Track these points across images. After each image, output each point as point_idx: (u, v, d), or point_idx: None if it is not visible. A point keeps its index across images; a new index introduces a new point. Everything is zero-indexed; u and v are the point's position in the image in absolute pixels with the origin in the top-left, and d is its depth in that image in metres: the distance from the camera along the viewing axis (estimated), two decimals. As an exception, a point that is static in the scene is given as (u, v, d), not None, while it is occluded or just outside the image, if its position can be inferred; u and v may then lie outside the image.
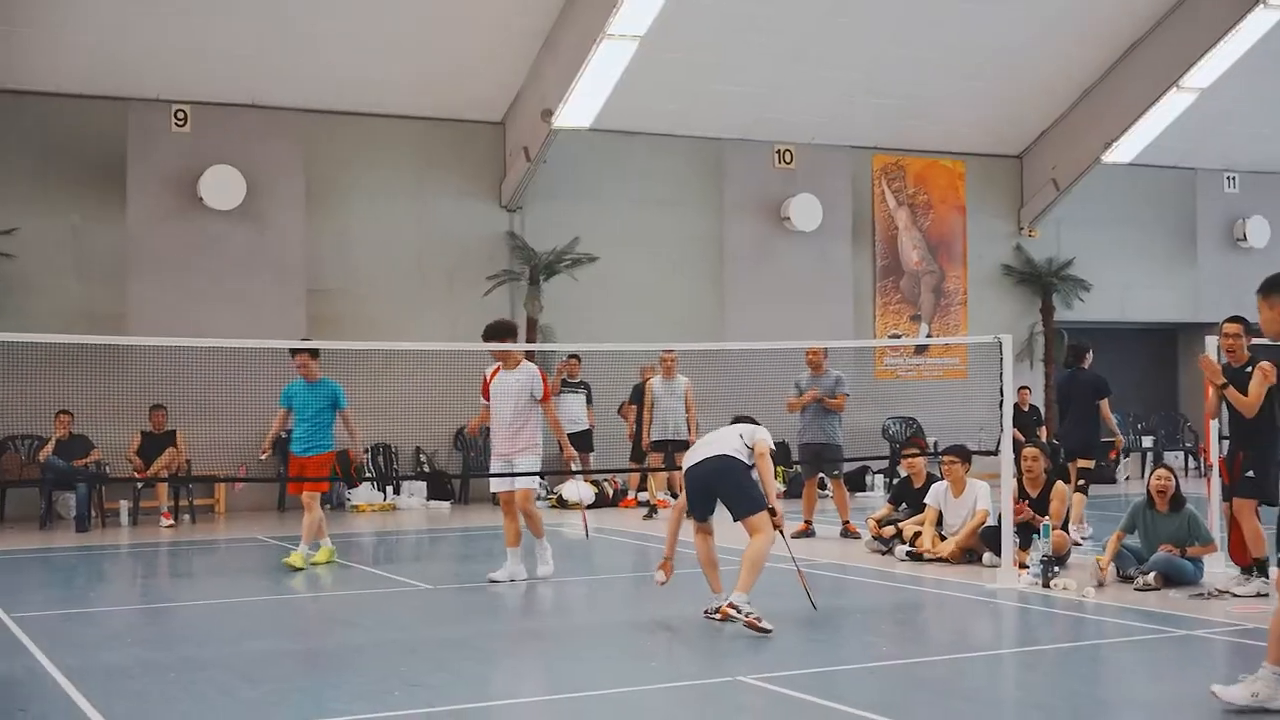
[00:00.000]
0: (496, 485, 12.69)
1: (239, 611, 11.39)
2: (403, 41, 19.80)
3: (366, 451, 20.62)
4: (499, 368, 12.44)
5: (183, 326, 18.34)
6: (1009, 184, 25.64)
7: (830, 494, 16.92)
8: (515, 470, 12.30)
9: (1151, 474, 11.99)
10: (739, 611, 9.44)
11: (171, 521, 17.97)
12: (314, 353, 13.66)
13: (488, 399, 12.52)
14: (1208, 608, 10.48)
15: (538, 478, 12.74)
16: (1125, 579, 11.61)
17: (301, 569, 13.19)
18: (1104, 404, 15.60)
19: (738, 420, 10.46)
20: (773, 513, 9.80)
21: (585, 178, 22.23)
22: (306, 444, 13.55)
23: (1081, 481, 15.43)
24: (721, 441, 10.01)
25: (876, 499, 19.78)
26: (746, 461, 9.91)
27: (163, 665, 8.86)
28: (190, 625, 10.83)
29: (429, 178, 21.50)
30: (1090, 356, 16.09)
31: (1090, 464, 15.58)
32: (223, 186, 19.92)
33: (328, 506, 20.06)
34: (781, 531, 10.01)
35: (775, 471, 22.43)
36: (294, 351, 13.64)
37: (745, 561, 9.67)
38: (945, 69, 22.55)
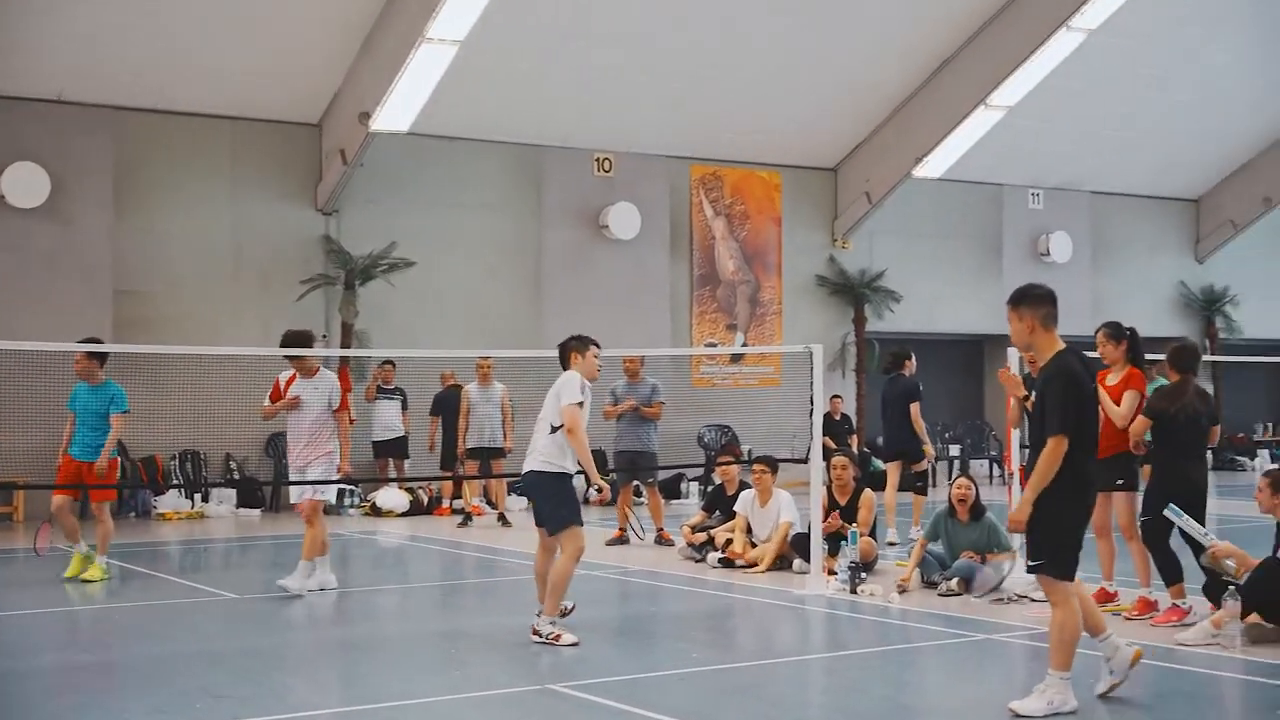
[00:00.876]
0: (295, 495, 12.48)
1: (39, 623, 11.04)
2: (217, 39, 19.40)
3: (174, 459, 20.17)
4: (295, 375, 12.25)
5: (-19, 328, 17.73)
6: (824, 196, 26.11)
7: (645, 501, 17.01)
8: (306, 479, 12.05)
9: (953, 483, 12.32)
10: (540, 635, 9.51)
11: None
12: (98, 356, 13.04)
13: (274, 400, 12.31)
14: (1007, 612, 10.81)
15: (333, 488, 12.50)
16: (929, 585, 11.90)
17: (100, 580, 12.78)
18: (914, 408, 15.97)
19: (564, 352, 10.17)
20: (599, 490, 9.79)
21: (403, 182, 22.04)
22: (86, 448, 12.95)
23: (920, 484, 15.97)
24: (532, 446, 9.88)
25: (691, 506, 19.96)
26: (554, 465, 9.71)
27: (-47, 680, 8.55)
28: (-16, 638, 10.46)
29: (243, 179, 21.10)
30: (912, 363, 16.46)
31: (922, 466, 16.05)
32: (26, 184, 19.30)
33: (132, 515, 19.66)
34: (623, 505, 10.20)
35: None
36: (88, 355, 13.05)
37: (549, 584, 9.62)
38: (762, 82, 22.89)
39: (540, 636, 9.49)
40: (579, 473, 9.91)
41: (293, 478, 12.28)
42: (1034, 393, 7.68)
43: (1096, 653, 7.91)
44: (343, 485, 20.19)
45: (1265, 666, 8.66)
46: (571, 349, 10.06)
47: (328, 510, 19.63)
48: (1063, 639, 7.43)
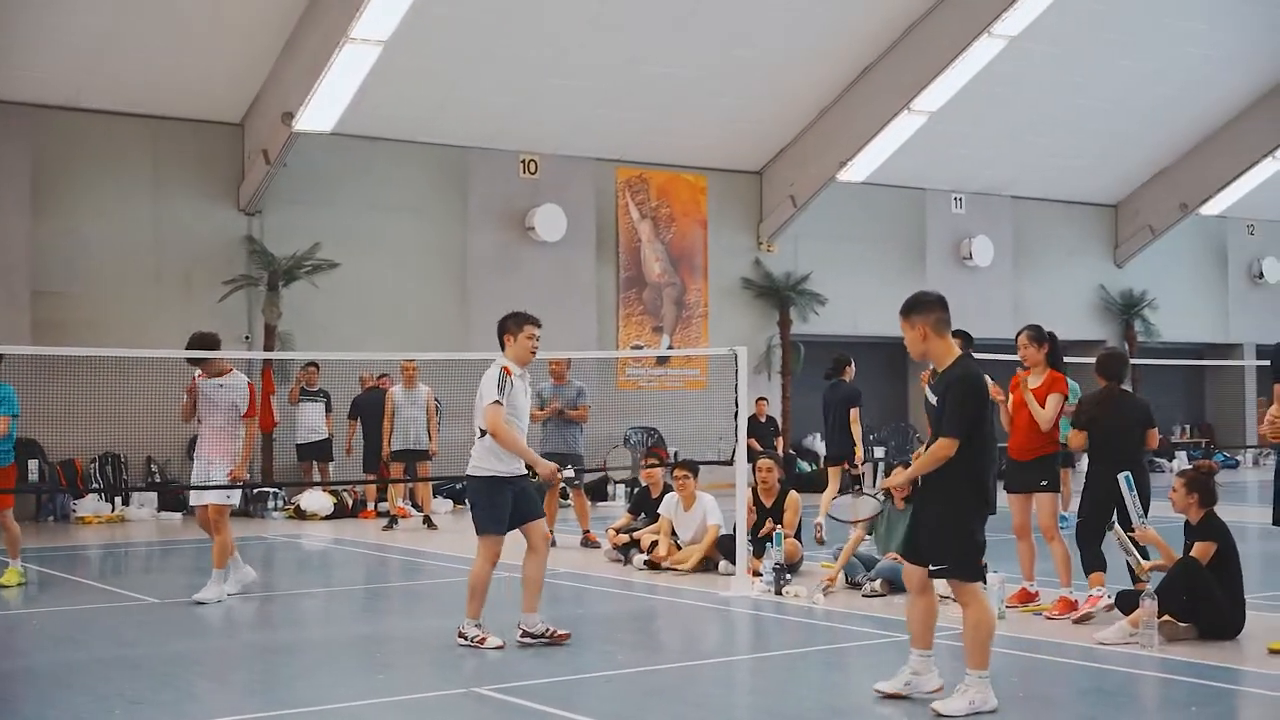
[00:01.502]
0: (194, 499, 12.20)
1: (-49, 629, 10.86)
2: (138, 37, 19.17)
3: (94, 461, 19.91)
4: (201, 375, 11.99)
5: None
6: (749, 199, 26.21)
7: (571, 503, 17.00)
8: (210, 481, 11.76)
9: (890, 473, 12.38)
10: (464, 639, 9.46)
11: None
12: None
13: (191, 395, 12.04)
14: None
15: (238, 492, 12.19)
16: (854, 585, 11.97)
17: (17, 585, 12.54)
18: (854, 412, 16.05)
19: (500, 333, 9.78)
20: (539, 475, 9.71)
21: (327, 183, 21.89)
22: None
23: (856, 487, 16.01)
24: (473, 450, 9.69)
25: (617, 508, 19.97)
26: (482, 469, 9.48)
27: None
28: (-104, 644, 10.28)
29: (164, 178, 20.86)
30: (852, 369, 16.51)
31: (856, 471, 16.15)
32: (-60, 182, 18.99)
33: (50, 519, 19.38)
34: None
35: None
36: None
37: (468, 588, 9.57)
38: (687, 85, 22.94)
39: (463, 640, 9.45)
40: (530, 474, 9.70)
41: (195, 481, 11.96)
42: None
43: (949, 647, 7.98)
44: (266, 489, 20.09)
45: (1181, 664, 8.79)
46: (505, 330, 9.69)
47: (247, 514, 19.60)
48: (978, 638, 7.52)
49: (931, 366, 7.89)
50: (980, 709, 7.41)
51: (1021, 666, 8.89)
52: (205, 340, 12.07)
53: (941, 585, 11.64)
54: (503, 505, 9.45)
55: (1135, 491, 9.95)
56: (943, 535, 7.56)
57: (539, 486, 20.15)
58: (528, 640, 9.44)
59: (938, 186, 28.04)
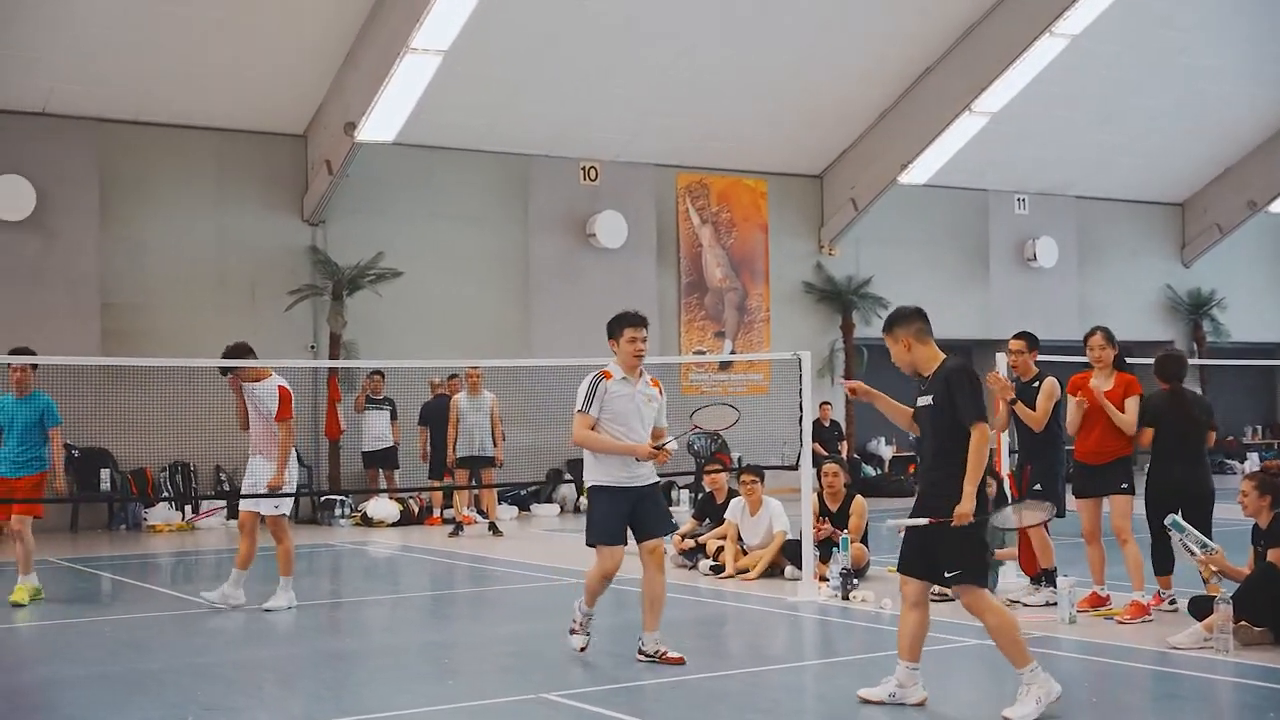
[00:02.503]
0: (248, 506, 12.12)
1: (24, 637, 10.99)
2: (203, 51, 19.36)
3: (164, 471, 20.12)
4: (232, 380, 12.02)
5: (-33, 341, 17.61)
6: (810, 203, 26.13)
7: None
8: (255, 488, 11.74)
9: None
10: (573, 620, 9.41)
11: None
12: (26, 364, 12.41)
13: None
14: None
15: (288, 501, 12.03)
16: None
17: (27, 602, 12.27)
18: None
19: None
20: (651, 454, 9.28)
21: (389, 192, 22.01)
22: (15, 464, 12.33)
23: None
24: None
25: (682, 514, 19.94)
26: (590, 478, 9.19)
27: (-57, 695, 8.51)
28: (-27, 653, 10.42)
29: (229, 190, 21.06)
30: None
31: None
32: (11, 196, 19.23)
33: (122, 527, 19.60)
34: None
35: (582, 488, 22.38)
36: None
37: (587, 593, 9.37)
38: (747, 90, 22.90)
39: (573, 622, 9.39)
40: (661, 483, 9.29)
41: (245, 487, 11.93)
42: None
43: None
44: (334, 496, 20.22)
45: (1257, 669, 8.67)
46: (609, 333, 9.24)
47: (315, 522, 19.76)
48: (1010, 638, 7.51)
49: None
50: (1049, 700, 7.41)
51: (1093, 672, 8.80)
52: (240, 349, 12.08)
53: (1014, 589, 11.63)
54: (613, 516, 9.04)
55: (1185, 531, 9.86)
56: (957, 539, 7.50)
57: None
58: (640, 658, 9.11)
59: (1000, 187, 27.83)
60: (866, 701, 7.81)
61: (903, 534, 7.79)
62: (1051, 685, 7.45)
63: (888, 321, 7.90)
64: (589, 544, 9.18)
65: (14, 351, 12.63)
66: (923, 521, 7.55)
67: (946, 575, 7.58)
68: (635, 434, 9.01)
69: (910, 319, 7.81)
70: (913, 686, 7.80)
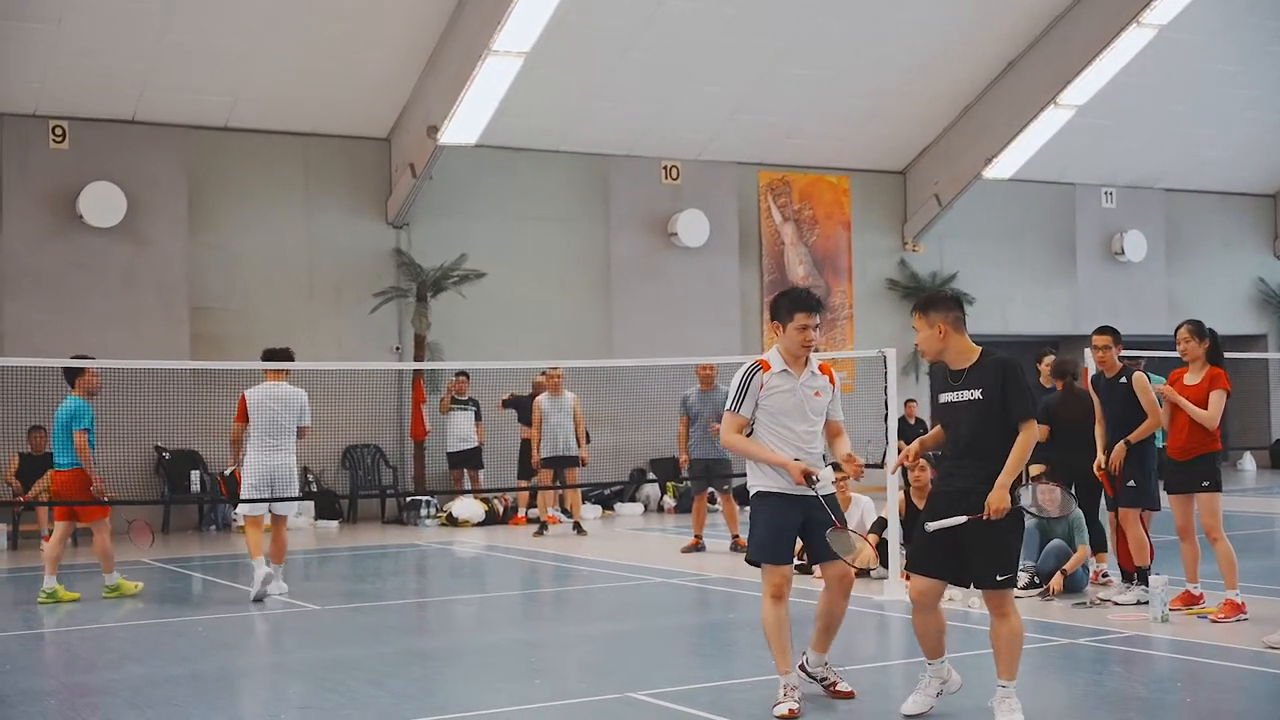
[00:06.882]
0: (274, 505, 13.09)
1: (120, 636, 11.19)
2: (286, 56, 19.61)
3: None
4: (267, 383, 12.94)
5: (62, 346, 17.91)
6: (893, 199, 25.99)
7: (720, 508, 16.99)
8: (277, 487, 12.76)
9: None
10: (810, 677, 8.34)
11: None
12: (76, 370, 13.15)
13: (243, 420, 13.02)
14: (1089, 616, 10.67)
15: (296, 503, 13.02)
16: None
17: (133, 593, 13.08)
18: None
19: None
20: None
21: (472, 194, 22.15)
22: (58, 463, 13.13)
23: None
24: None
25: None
26: (754, 483, 8.14)
27: (44, 692, 8.69)
28: (71, 651, 10.62)
29: (314, 194, 21.30)
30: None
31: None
32: (103, 203, 19.56)
33: (212, 528, 19.87)
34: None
35: (666, 487, 22.42)
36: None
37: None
38: (828, 87, 22.81)
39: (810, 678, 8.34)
40: (828, 493, 7.99)
41: (258, 484, 13.08)
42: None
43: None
44: (419, 497, 20.37)
45: (1357, 668, 8.52)
46: (774, 314, 8.00)
47: (401, 522, 19.97)
48: (1019, 648, 7.32)
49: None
50: (949, 690, 7.68)
51: (1187, 672, 8.69)
52: (283, 353, 13.23)
53: (1105, 588, 11.51)
54: (781, 529, 7.98)
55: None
56: (998, 538, 7.22)
57: (686, 490, 20.25)
58: (802, 675, 8.18)
59: (1087, 181, 27.52)
60: (912, 717, 7.58)
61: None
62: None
63: (924, 302, 7.45)
64: (749, 561, 8.25)
65: (74, 358, 13.49)
66: (960, 520, 7.18)
67: (1000, 578, 7.21)
68: (798, 434, 7.86)
69: (950, 305, 7.42)
70: (950, 678, 7.71)
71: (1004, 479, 7.12)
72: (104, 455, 17.61)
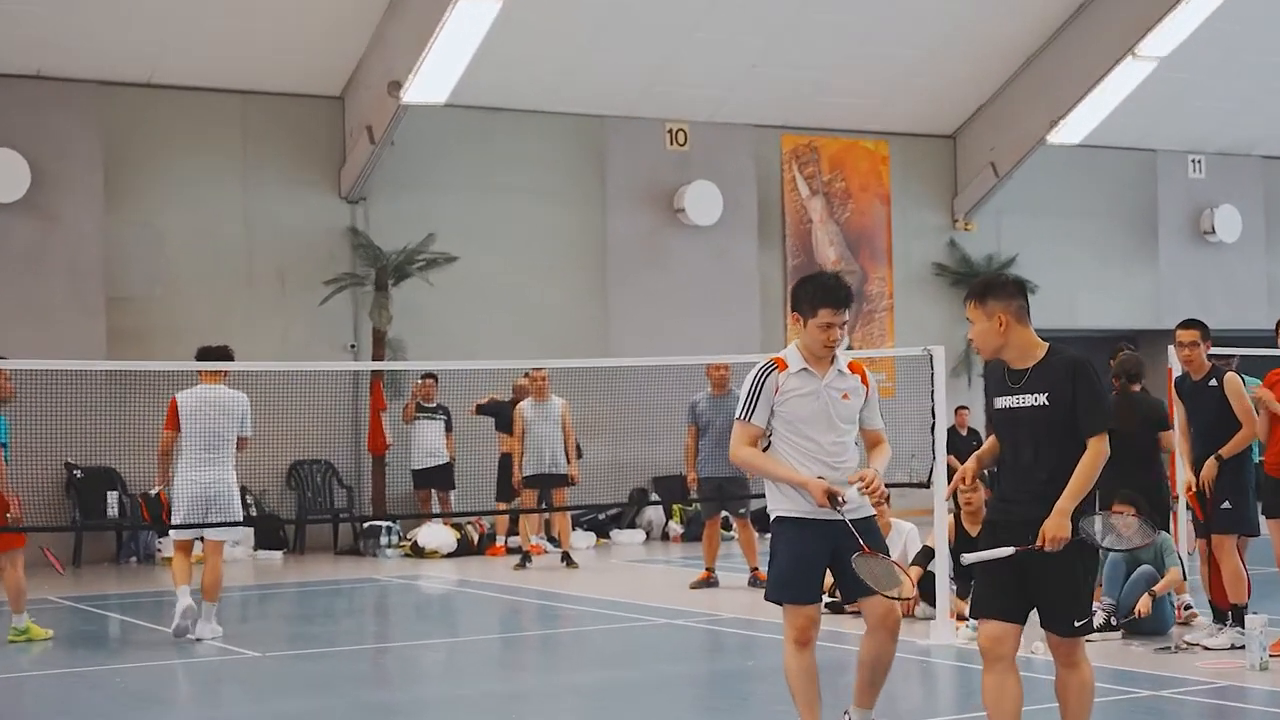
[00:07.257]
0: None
1: (25, 689, 11.19)
2: (221, 3, 19.60)
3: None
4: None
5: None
6: (941, 169, 26.00)
7: (736, 536, 16.96)
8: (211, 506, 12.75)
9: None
10: None
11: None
12: None
13: (174, 429, 13.04)
14: (1174, 663, 10.62)
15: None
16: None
17: (43, 638, 12.79)
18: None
19: None
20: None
21: (441, 163, 22.14)
22: None
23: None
24: None
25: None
26: (773, 507, 7.98)
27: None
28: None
29: (253, 163, 21.28)
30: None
31: None
32: (2, 174, 19.56)
33: (133, 559, 19.83)
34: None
35: (671, 510, 22.36)
36: None
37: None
38: (865, 36, 22.79)
39: None
40: (863, 516, 7.73)
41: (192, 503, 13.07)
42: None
43: None
44: (379, 523, 20.35)
45: None
46: (796, 305, 7.81)
47: (357, 552, 19.97)
48: (1091, 703, 7.21)
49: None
50: None
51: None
52: (221, 351, 13.40)
53: (1193, 631, 11.47)
54: (805, 561, 7.79)
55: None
56: (1072, 578, 7.06)
57: (695, 514, 20.23)
58: None
59: (1171, 147, 27.52)
60: None
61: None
62: None
63: (979, 289, 7.25)
64: (769, 599, 8.05)
65: None
66: (1008, 551, 6.94)
67: (1078, 624, 7.06)
68: (823, 446, 7.66)
69: (1012, 292, 7.21)
70: None
71: (1065, 503, 6.93)
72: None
